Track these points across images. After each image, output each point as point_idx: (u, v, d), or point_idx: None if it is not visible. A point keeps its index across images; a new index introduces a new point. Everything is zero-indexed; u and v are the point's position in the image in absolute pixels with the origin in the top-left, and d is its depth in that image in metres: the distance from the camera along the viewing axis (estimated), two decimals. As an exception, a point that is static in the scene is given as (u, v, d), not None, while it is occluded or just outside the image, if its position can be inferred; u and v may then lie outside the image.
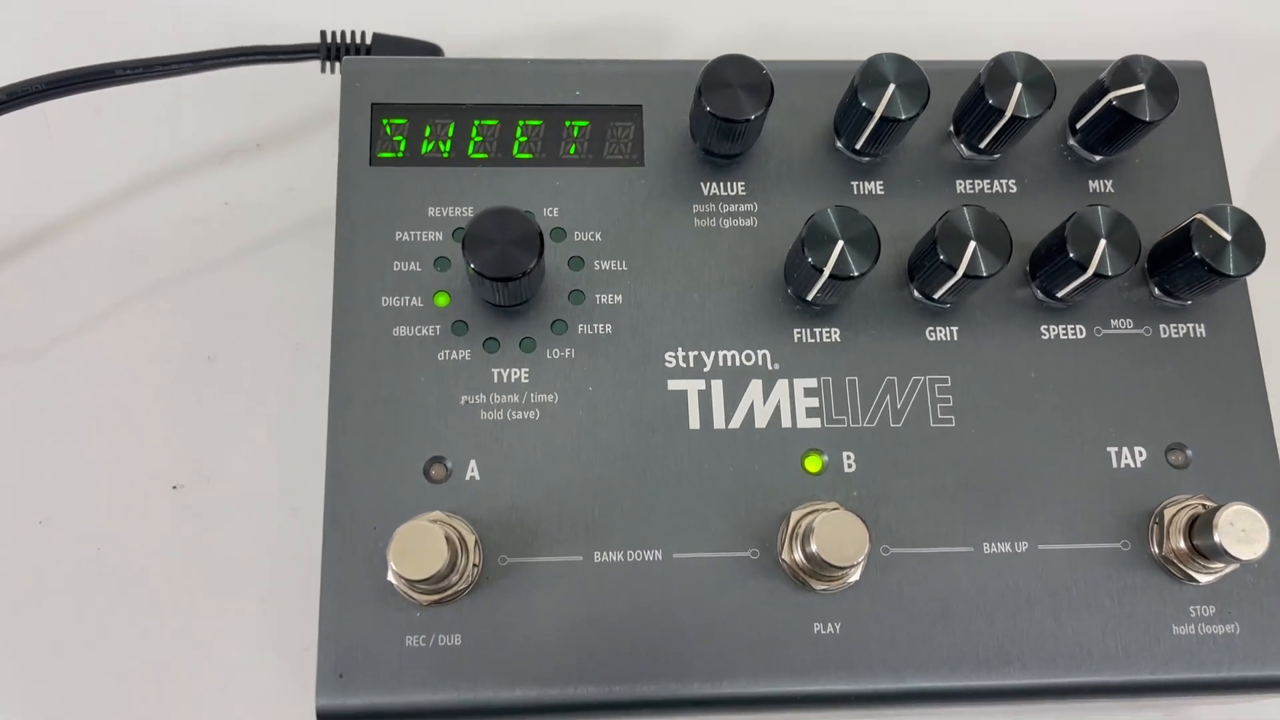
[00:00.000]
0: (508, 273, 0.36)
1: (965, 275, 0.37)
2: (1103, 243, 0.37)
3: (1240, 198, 0.44)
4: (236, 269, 0.49)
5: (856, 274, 0.36)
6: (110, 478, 0.45)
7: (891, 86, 0.38)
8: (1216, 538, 0.35)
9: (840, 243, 0.36)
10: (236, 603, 0.44)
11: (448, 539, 0.34)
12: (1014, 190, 0.41)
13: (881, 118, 0.38)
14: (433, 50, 0.48)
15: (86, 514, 0.45)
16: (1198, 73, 0.43)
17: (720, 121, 0.38)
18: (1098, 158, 0.41)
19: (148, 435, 0.46)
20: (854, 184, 0.41)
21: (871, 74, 0.38)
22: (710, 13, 0.56)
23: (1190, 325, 0.40)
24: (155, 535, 0.45)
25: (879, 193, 0.41)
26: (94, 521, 0.45)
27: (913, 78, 0.38)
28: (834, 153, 0.41)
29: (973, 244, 0.37)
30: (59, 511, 0.45)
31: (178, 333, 0.48)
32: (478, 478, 0.37)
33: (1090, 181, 0.42)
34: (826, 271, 0.36)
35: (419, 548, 0.33)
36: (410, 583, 0.35)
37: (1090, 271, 0.37)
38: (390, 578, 0.35)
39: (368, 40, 0.47)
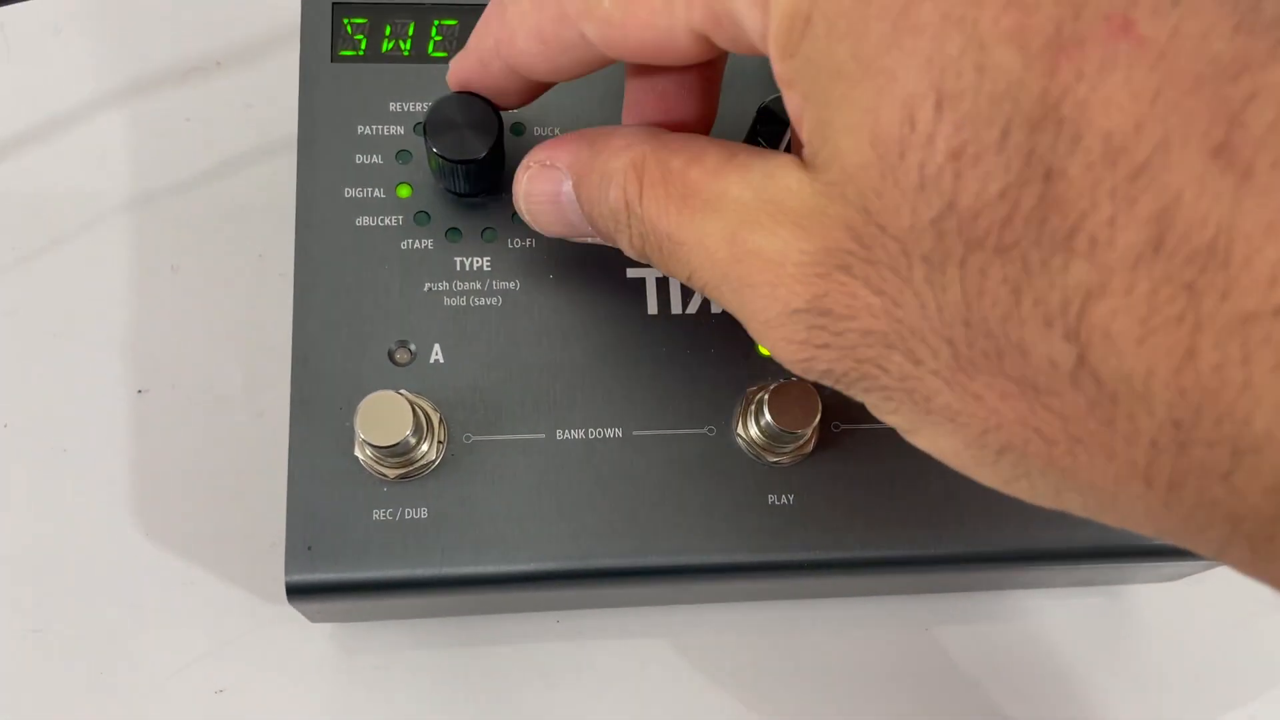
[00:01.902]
0: (468, 155, 0.37)
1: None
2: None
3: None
4: (198, 183, 0.49)
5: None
6: (76, 382, 0.46)
7: None
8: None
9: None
10: (202, 503, 0.45)
11: (414, 411, 0.35)
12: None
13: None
14: None
15: (53, 417, 0.45)
16: None
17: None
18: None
19: (112, 342, 0.46)
20: (805, 82, 0.43)
21: None
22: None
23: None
24: (121, 437, 0.45)
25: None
26: (60, 424, 0.45)
27: None
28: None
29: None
30: (25, 415, 0.45)
31: (141, 244, 0.48)
32: (441, 361, 0.38)
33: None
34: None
35: (385, 415, 0.34)
36: (377, 455, 0.36)
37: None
38: (357, 451, 0.36)
39: (327, -49, 0.47)
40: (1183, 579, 0.44)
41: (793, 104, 0.25)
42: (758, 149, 0.28)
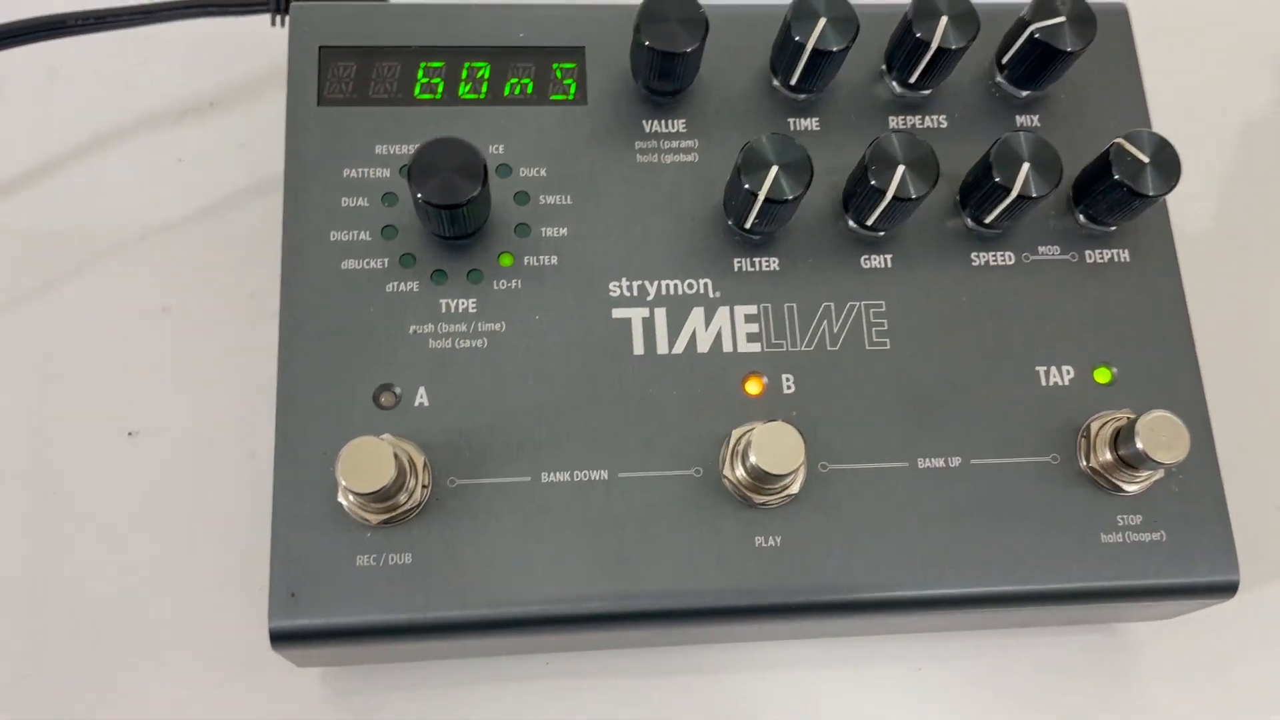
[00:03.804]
0: (452, 200, 0.37)
1: (895, 198, 0.38)
2: (1026, 165, 0.38)
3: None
4: (191, 223, 0.50)
5: (790, 198, 0.37)
6: (66, 424, 0.46)
7: (822, 20, 0.39)
8: (1138, 444, 0.37)
9: (775, 168, 0.38)
10: (192, 544, 0.44)
11: (397, 458, 0.35)
12: (944, 125, 0.43)
13: (813, 50, 0.39)
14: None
15: (43, 459, 0.45)
16: (1119, 13, 0.45)
17: (658, 55, 0.39)
18: (1024, 93, 0.43)
19: (103, 383, 0.46)
20: (790, 121, 0.42)
21: (803, 8, 0.40)
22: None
23: (1115, 251, 0.42)
24: (112, 479, 0.45)
25: (815, 129, 0.42)
26: (52, 466, 0.45)
27: (842, 12, 0.40)
28: (772, 92, 0.43)
29: (901, 168, 0.38)
30: (15, 457, 0.45)
31: (134, 285, 0.48)
32: (426, 404, 0.38)
33: (1018, 116, 0.43)
34: (761, 195, 0.37)
35: (367, 462, 0.34)
36: (360, 501, 0.35)
37: (1014, 193, 0.38)
38: (340, 498, 0.36)
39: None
40: (1175, 618, 0.44)
41: None
42: None
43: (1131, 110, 0.44)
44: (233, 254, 0.49)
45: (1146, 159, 0.39)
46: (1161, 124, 0.45)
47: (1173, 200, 0.43)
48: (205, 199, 0.50)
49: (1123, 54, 0.45)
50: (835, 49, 0.39)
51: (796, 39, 0.39)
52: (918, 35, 0.40)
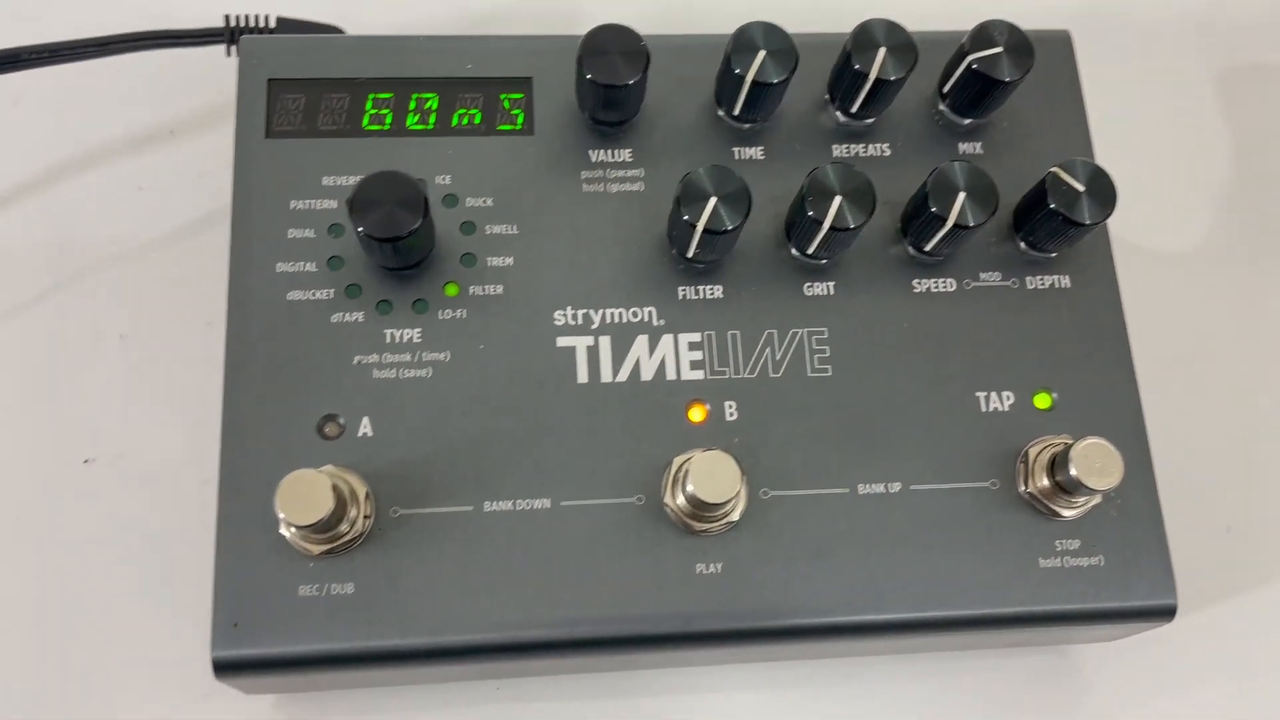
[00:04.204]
0: (393, 233, 0.37)
1: (832, 229, 0.38)
2: (962, 195, 0.39)
3: (1104, 159, 0.46)
4: (150, 250, 0.50)
5: (729, 228, 0.38)
6: (23, 451, 0.46)
7: (761, 53, 0.40)
8: (1072, 470, 0.37)
9: (713, 199, 0.38)
10: (148, 571, 0.45)
11: (336, 490, 0.35)
12: (887, 153, 0.43)
13: (753, 83, 0.40)
14: (334, 32, 0.49)
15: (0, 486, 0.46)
16: (1062, 40, 0.46)
17: (600, 88, 0.40)
18: (966, 121, 0.44)
19: (60, 410, 0.47)
20: (735, 150, 0.43)
21: (743, 41, 0.40)
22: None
23: (1055, 277, 0.42)
24: (68, 506, 0.45)
25: (759, 158, 0.43)
26: (7, 494, 0.45)
27: (782, 45, 0.40)
28: (717, 121, 0.43)
29: (838, 199, 0.38)
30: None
31: (90, 312, 0.49)
32: (370, 434, 0.39)
33: (960, 144, 0.44)
34: (700, 226, 0.38)
35: (305, 495, 0.35)
36: (301, 532, 0.36)
37: (950, 222, 0.39)
38: (282, 529, 0.37)
39: (271, 23, 0.48)
40: (1123, 639, 0.44)
41: None
42: None
43: (1074, 135, 0.44)
44: (190, 282, 0.49)
45: (1082, 187, 0.39)
46: (1104, 148, 0.45)
47: (1114, 224, 0.44)
48: (165, 227, 0.51)
49: (1065, 80, 0.45)
50: (774, 81, 0.40)
51: (736, 71, 0.40)
52: (856, 67, 0.40)
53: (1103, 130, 0.47)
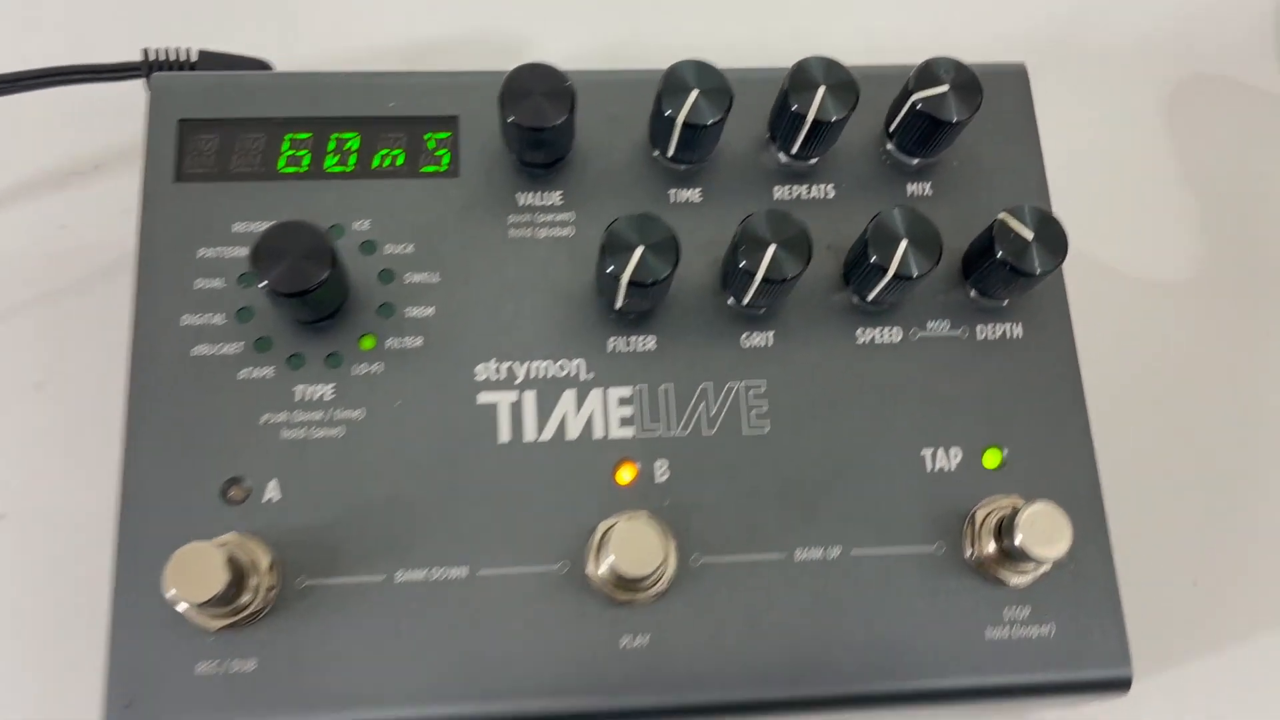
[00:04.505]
0: (299, 287, 0.35)
1: (765, 280, 0.36)
2: (903, 244, 0.37)
3: (1062, 198, 0.44)
4: (69, 293, 0.48)
5: (655, 281, 0.36)
6: (-75, 508, 0.44)
7: (694, 93, 0.38)
8: (1018, 539, 0.35)
9: (640, 249, 0.36)
10: (60, 633, 0.43)
11: (235, 561, 0.33)
12: (832, 195, 0.41)
13: (685, 125, 0.38)
14: (261, 67, 0.47)
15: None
16: (1018, 74, 0.44)
17: (524, 130, 0.38)
18: (915, 161, 0.41)
19: (-31, 463, 0.45)
20: (671, 192, 0.41)
21: (674, 82, 0.38)
22: (564, 30, 0.56)
23: (1007, 326, 0.40)
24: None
25: (696, 200, 0.41)
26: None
27: (715, 84, 0.38)
28: (652, 161, 0.41)
29: (772, 248, 0.36)
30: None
31: (4, 360, 0.46)
32: (278, 498, 0.36)
33: (909, 185, 0.42)
34: (625, 279, 0.36)
35: (196, 569, 0.32)
36: (197, 608, 0.34)
37: (891, 273, 0.37)
38: (178, 604, 0.34)
39: (193, 58, 0.46)
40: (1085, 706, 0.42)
41: None
42: None
43: (1028, 173, 0.42)
44: (112, 327, 0.47)
45: (1030, 235, 0.37)
46: (1059, 187, 0.43)
47: (1070, 263, 0.42)
48: (86, 268, 0.48)
49: (1020, 115, 0.43)
50: (707, 123, 0.38)
51: (667, 114, 0.38)
52: (794, 108, 0.38)
53: (1061, 162, 0.45)
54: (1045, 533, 0.35)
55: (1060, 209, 0.42)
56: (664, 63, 0.50)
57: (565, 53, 0.56)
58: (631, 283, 0.36)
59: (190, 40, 0.48)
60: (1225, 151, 0.56)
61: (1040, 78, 0.45)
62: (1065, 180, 0.45)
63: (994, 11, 0.58)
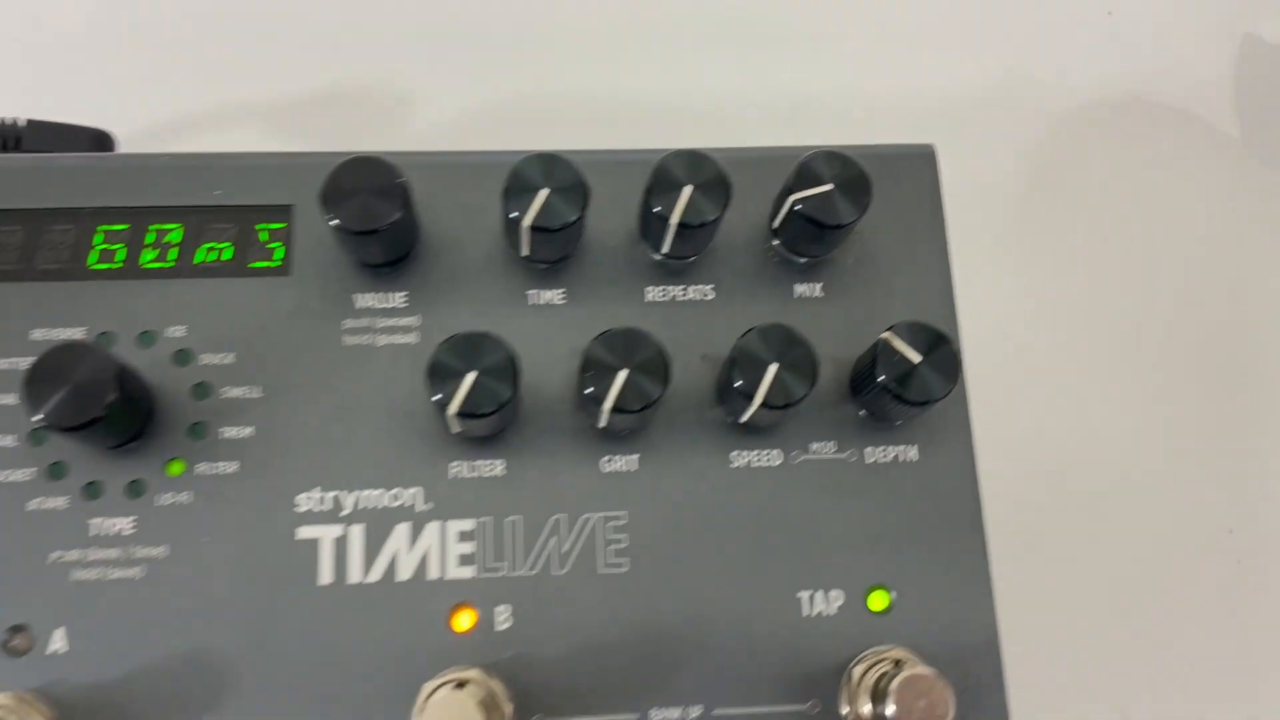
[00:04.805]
0: (82, 418, 0.31)
1: (616, 409, 0.32)
2: (773, 369, 0.33)
3: (971, 290, 0.40)
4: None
5: (488, 412, 0.32)
6: None
7: (543, 193, 0.34)
8: (889, 710, 0.31)
9: (472, 375, 0.32)
10: None
11: (-4, 736, 0.29)
12: (711, 297, 0.37)
13: (534, 228, 0.34)
14: (103, 138, 0.43)
15: None
16: (925, 156, 0.39)
17: (350, 235, 0.33)
18: (803, 260, 0.37)
19: None
20: (530, 293, 0.37)
21: (519, 181, 0.34)
22: (451, 81, 0.52)
23: (900, 449, 0.36)
24: None
25: (559, 302, 0.37)
26: None
27: (567, 180, 0.34)
28: (510, 256, 0.37)
29: (623, 374, 0.32)
30: None
31: None
32: (65, 649, 0.32)
33: (797, 285, 0.37)
34: (453, 409, 0.32)
35: (-62, 758, 0.28)
36: (-49, 789, 0.30)
37: (757, 401, 0.32)
38: (-69, 782, 0.30)
39: (19, 125, 0.42)
40: None
41: None
42: None
43: (932, 271, 0.38)
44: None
45: (918, 358, 0.33)
46: (966, 284, 0.39)
47: (972, 379, 0.38)
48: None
49: (926, 203, 0.39)
50: (557, 228, 0.34)
51: (512, 216, 0.34)
52: (656, 210, 0.34)
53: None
54: (921, 703, 0.31)
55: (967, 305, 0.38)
56: (564, 117, 0.46)
57: (454, 106, 0.52)
58: (461, 414, 0.32)
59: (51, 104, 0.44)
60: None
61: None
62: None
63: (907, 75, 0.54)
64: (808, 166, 0.34)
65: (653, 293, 0.37)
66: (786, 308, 0.37)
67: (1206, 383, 0.50)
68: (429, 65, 0.52)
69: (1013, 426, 0.46)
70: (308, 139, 0.49)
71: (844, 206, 0.34)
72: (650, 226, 0.35)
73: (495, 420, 0.33)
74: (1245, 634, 0.46)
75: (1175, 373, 0.50)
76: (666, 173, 0.34)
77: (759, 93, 0.53)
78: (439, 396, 0.32)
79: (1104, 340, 0.50)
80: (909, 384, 0.33)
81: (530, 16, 0.53)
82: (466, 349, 0.32)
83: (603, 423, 0.33)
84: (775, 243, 0.37)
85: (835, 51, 0.54)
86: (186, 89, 0.50)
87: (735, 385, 0.33)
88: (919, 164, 0.39)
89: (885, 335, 0.33)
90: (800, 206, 0.34)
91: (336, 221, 0.33)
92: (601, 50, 0.53)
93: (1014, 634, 0.35)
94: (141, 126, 0.49)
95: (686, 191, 0.34)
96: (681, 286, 0.37)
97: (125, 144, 0.45)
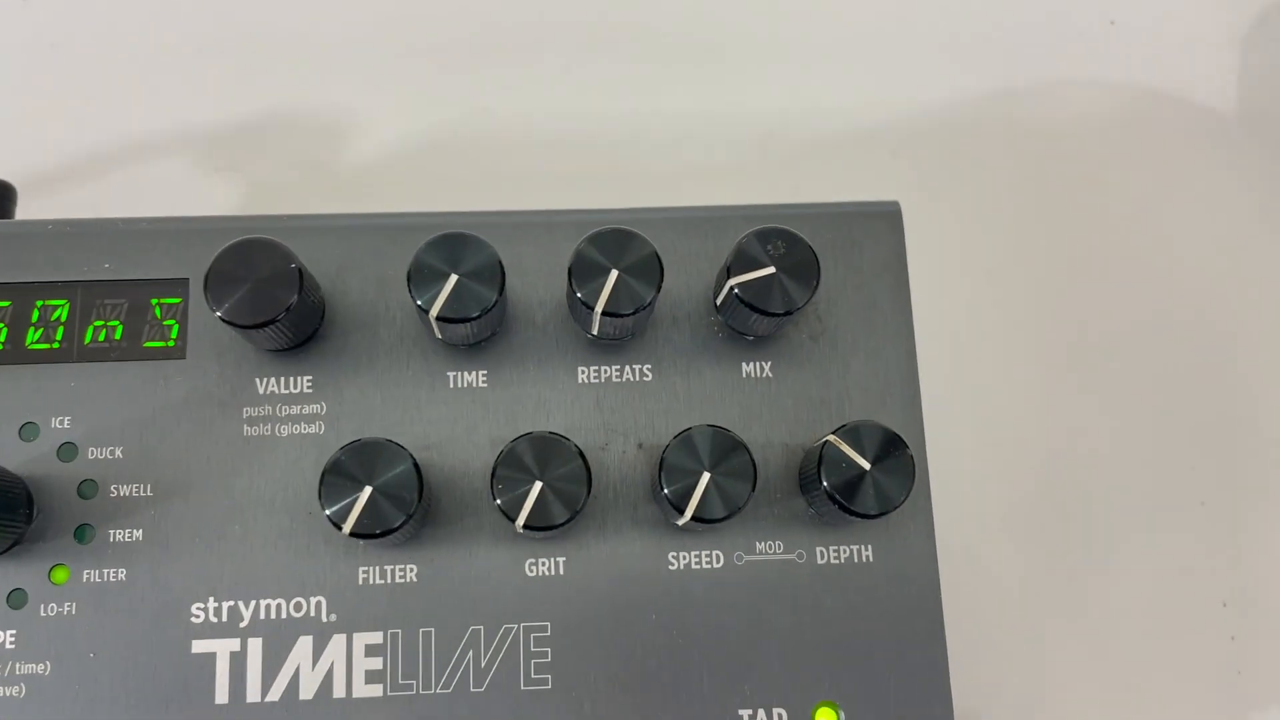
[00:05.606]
0: (-60, 539, 0.28)
1: (527, 526, 0.29)
2: (705, 479, 0.29)
3: (937, 367, 0.36)
4: None
5: (382, 532, 0.29)
6: None
7: (451, 280, 0.30)
8: None
9: (367, 490, 0.29)
10: None
11: None
12: (649, 378, 0.34)
13: (440, 318, 0.30)
14: (4, 189, 0.39)
15: None
16: (890, 216, 0.36)
17: (239, 327, 0.30)
18: (750, 337, 0.34)
19: None
20: (451, 375, 0.33)
21: (423, 268, 0.30)
22: (396, 103, 0.48)
23: (854, 548, 0.33)
24: None
25: (481, 384, 0.33)
26: None
27: (479, 261, 0.30)
28: (427, 335, 0.34)
29: (538, 485, 0.29)
30: None
31: None
32: (-63, 779, 0.30)
33: (744, 364, 0.34)
34: (348, 528, 0.29)
35: None
36: None
37: (688, 514, 0.29)
38: None
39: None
40: None
41: None
42: None
43: (893, 346, 0.34)
44: None
45: (867, 464, 0.30)
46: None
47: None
48: None
49: (889, 267, 0.35)
50: (471, 316, 0.30)
51: (419, 304, 0.30)
52: (578, 296, 0.30)
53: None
54: None
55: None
56: (518, 141, 0.42)
57: (400, 128, 0.48)
58: (354, 534, 0.29)
59: None
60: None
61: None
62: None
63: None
64: (744, 250, 0.31)
65: (585, 373, 0.34)
66: (732, 390, 0.33)
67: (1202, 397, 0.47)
68: (368, 88, 0.48)
69: (1007, 434, 0.43)
70: (227, 176, 0.46)
71: (788, 292, 0.31)
72: (576, 310, 0.32)
73: (398, 537, 0.30)
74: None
75: (1171, 396, 0.47)
76: (588, 257, 0.30)
77: (732, 112, 0.49)
78: (330, 513, 0.29)
79: (1102, 354, 0.47)
80: (856, 494, 0.30)
81: (486, 37, 0.50)
82: (361, 462, 0.29)
83: (521, 520, 0.30)
84: (720, 317, 0.34)
85: (821, 65, 0.50)
86: (91, 126, 0.46)
87: (664, 493, 0.29)
88: (881, 225, 0.35)
89: (831, 438, 0.30)
90: (739, 291, 0.31)
91: (220, 314, 0.30)
92: (561, 72, 0.49)
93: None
94: (43, 170, 0.45)
95: (612, 277, 0.30)
96: (617, 366, 0.34)
97: (26, 190, 0.41)
